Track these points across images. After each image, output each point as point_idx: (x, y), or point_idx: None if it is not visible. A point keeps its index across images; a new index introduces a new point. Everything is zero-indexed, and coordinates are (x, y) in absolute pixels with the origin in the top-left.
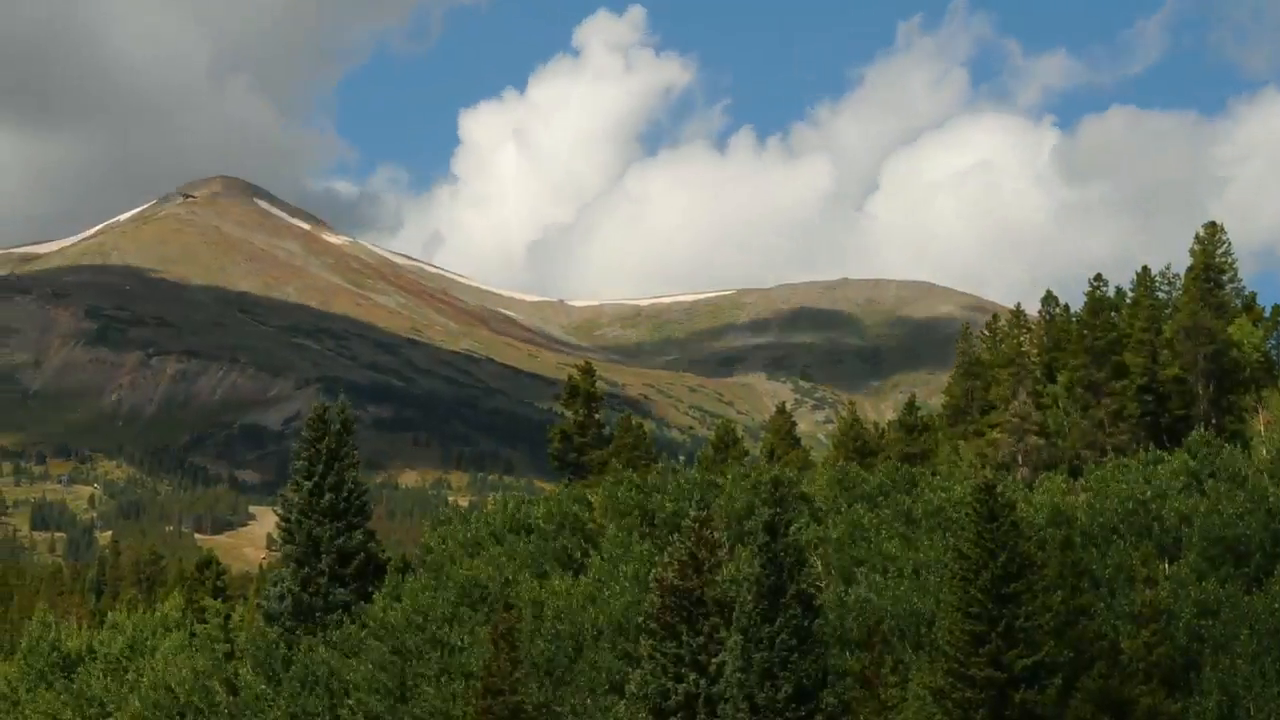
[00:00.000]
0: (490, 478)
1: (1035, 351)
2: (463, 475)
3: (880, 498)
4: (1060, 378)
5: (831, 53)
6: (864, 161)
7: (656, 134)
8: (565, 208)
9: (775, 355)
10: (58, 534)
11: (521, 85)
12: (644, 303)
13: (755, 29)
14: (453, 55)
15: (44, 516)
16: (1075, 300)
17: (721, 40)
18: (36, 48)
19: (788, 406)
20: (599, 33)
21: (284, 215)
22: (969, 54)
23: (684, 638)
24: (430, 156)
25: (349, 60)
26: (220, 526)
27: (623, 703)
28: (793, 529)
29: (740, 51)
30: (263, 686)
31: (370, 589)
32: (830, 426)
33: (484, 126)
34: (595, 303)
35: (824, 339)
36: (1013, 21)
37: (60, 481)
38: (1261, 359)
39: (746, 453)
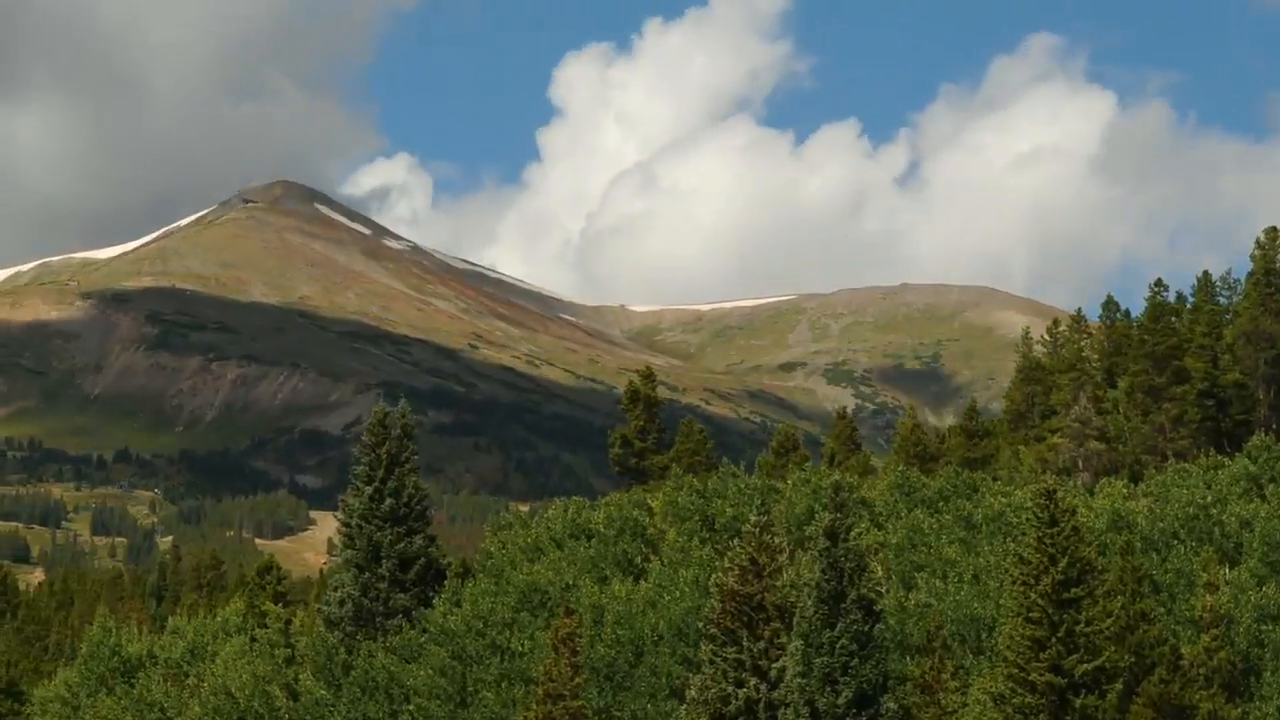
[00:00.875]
0: (551, 482)
1: (1096, 357)
2: (523, 480)
3: (941, 503)
4: (1121, 383)
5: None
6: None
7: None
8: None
9: (836, 360)
10: (118, 539)
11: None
12: (705, 307)
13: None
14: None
15: (104, 522)
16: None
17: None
18: (97, 52)
19: (849, 411)
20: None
21: (344, 220)
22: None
23: (744, 643)
24: (494, 161)
25: (404, 57)
26: (281, 531)
27: (683, 708)
28: (853, 534)
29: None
30: (323, 692)
31: (431, 594)
32: (891, 431)
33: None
34: (656, 307)
35: (885, 344)
36: None
37: (121, 487)
38: None
39: (807, 458)
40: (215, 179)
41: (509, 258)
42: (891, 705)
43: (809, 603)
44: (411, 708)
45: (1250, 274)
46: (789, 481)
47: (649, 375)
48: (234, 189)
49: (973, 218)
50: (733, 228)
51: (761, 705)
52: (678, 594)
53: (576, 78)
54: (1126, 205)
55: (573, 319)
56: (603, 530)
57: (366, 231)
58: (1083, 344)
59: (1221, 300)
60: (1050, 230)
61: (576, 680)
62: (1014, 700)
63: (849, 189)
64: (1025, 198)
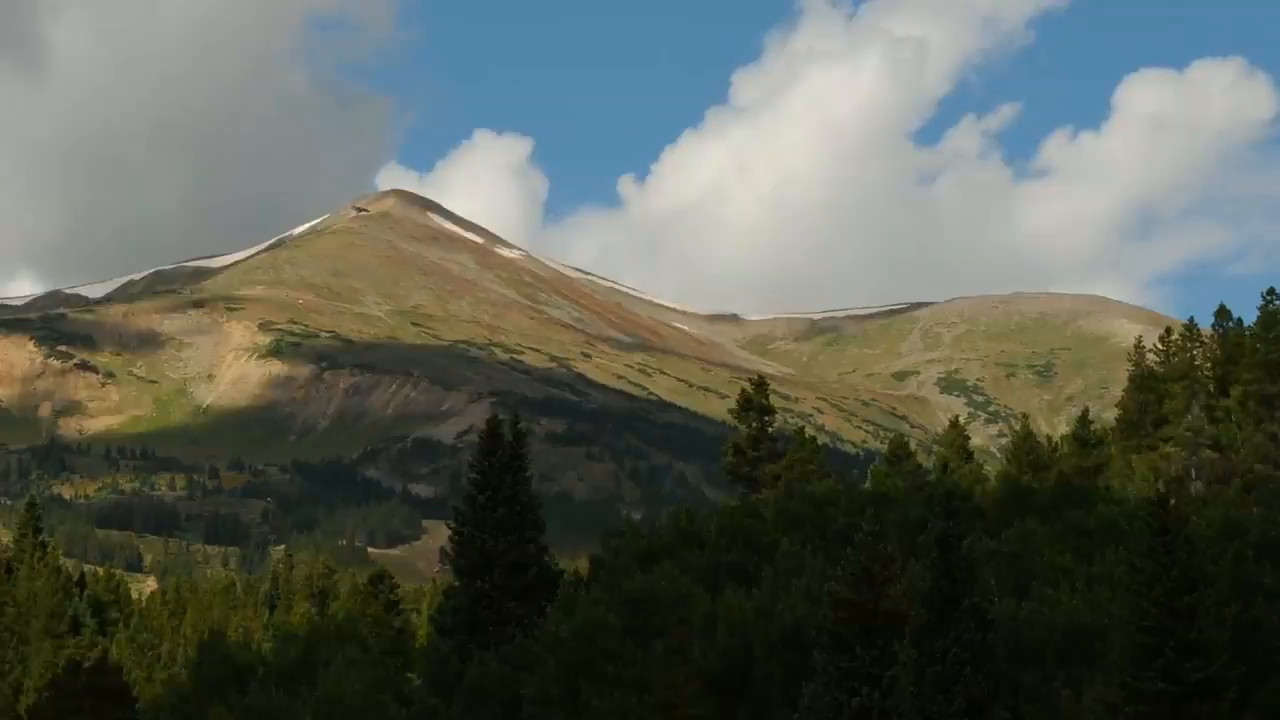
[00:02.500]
0: (663, 491)
1: (1209, 365)
2: (636, 488)
3: (1052, 511)
4: (1233, 391)
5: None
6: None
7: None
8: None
9: (949, 369)
10: (231, 548)
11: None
12: (817, 316)
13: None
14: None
15: (217, 530)
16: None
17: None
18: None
19: (961, 420)
20: (787, 39)
21: (457, 229)
22: None
23: (857, 651)
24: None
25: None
26: (393, 540)
27: (795, 716)
28: (965, 542)
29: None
30: (435, 700)
31: (543, 602)
32: (1003, 440)
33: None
34: (768, 316)
35: (997, 353)
36: None
37: (233, 495)
38: None
39: (919, 466)
40: (329, 188)
41: (620, 266)
42: (1004, 714)
43: (922, 611)
44: (524, 716)
45: None
46: (901, 490)
47: (761, 384)
48: (347, 198)
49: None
50: (845, 235)
51: (874, 713)
52: (790, 602)
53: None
54: None
55: (685, 328)
56: (715, 538)
57: (479, 240)
58: (1195, 352)
59: None
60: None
61: (689, 689)
62: (1126, 709)
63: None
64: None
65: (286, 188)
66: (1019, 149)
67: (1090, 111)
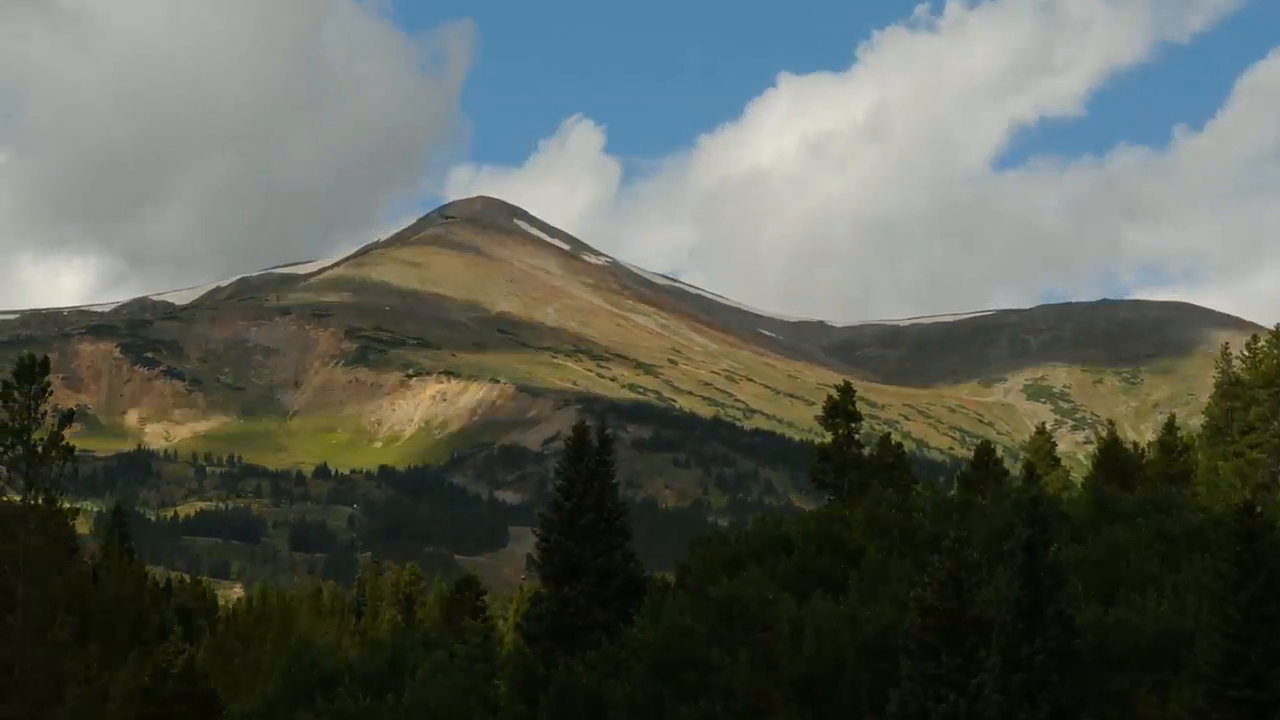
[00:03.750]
0: (750, 498)
1: None
2: (722, 495)
3: (1138, 517)
4: None
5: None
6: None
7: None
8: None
9: (1034, 376)
10: (317, 554)
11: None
12: (904, 323)
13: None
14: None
15: (304, 537)
16: None
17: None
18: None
19: (1047, 427)
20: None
21: (543, 235)
22: None
23: (943, 658)
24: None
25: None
26: (479, 547)
27: None
28: (1052, 549)
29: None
30: (521, 706)
31: (629, 609)
32: (1090, 446)
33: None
34: (855, 323)
35: (1084, 359)
36: None
37: (320, 502)
38: None
39: (1006, 473)
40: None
41: (708, 273)
42: None
43: (1008, 618)
44: None
45: None
46: (987, 496)
47: (848, 390)
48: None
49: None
50: (926, 242)
51: None
52: (877, 609)
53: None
54: None
55: (772, 334)
56: (801, 545)
57: (565, 247)
58: None
59: None
60: None
61: (775, 695)
62: (1213, 715)
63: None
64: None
65: (373, 194)
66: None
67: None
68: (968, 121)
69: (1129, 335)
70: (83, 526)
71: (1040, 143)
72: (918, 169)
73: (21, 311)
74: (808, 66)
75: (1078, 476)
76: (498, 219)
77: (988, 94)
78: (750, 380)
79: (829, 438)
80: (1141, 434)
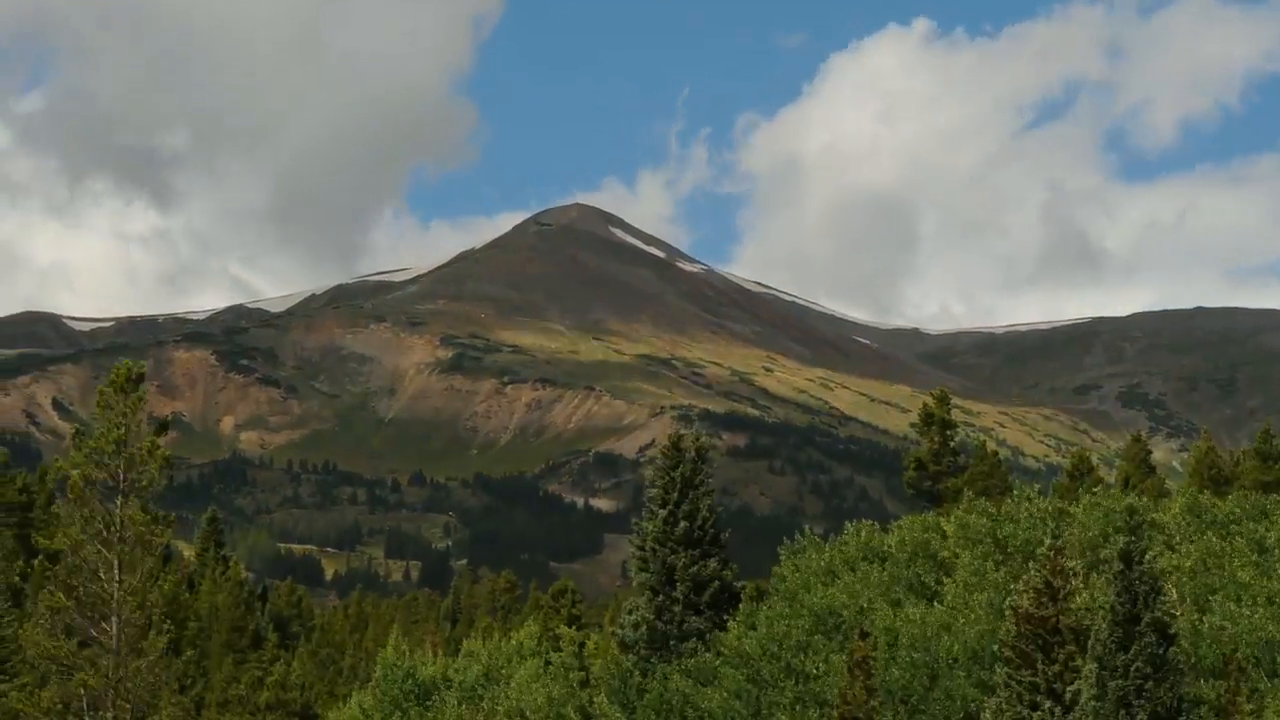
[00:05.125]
0: (845, 505)
1: None
2: (817, 502)
3: (1233, 525)
4: None
5: None
6: None
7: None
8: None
9: (1130, 383)
10: (413, 562)
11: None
12: (999, 331)
13: None
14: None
15: (399, 544)
16: None
17: None
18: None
19: (1143, 435)
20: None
21: (638, 243)
22: None
23: (1039, 666)
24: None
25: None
26: (575, 555)
27: None
28: (1147, 557)
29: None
30: (618, 714)
31: (725, 617)
32: (1185, 455)
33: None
34: (950, 330)
35: (1179, 367)
36: None
37: (415, 509)
38: None
39: (1101, 481)
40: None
41: (803, 281)
42: None
43: (1103, 626)
44: None
45: None
46: (1082, 505)
47: (943, 398)
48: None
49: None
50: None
51: None
52: (972, 617)
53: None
54: None
55: (867, 341)
56: (896, 553)
57: (660, 255)
58: None
59: None
60: None
61: (871, 703)
62: None
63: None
64: None
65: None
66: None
67: None
68: None
69: (1225, 342)
70: (178, 535)
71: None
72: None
73: (117, 319)
74: None
75: (1173, 484)
76: (593, 226)
77: None
78: (845, 388)
79: (924, 445)
80: (1237, 441)
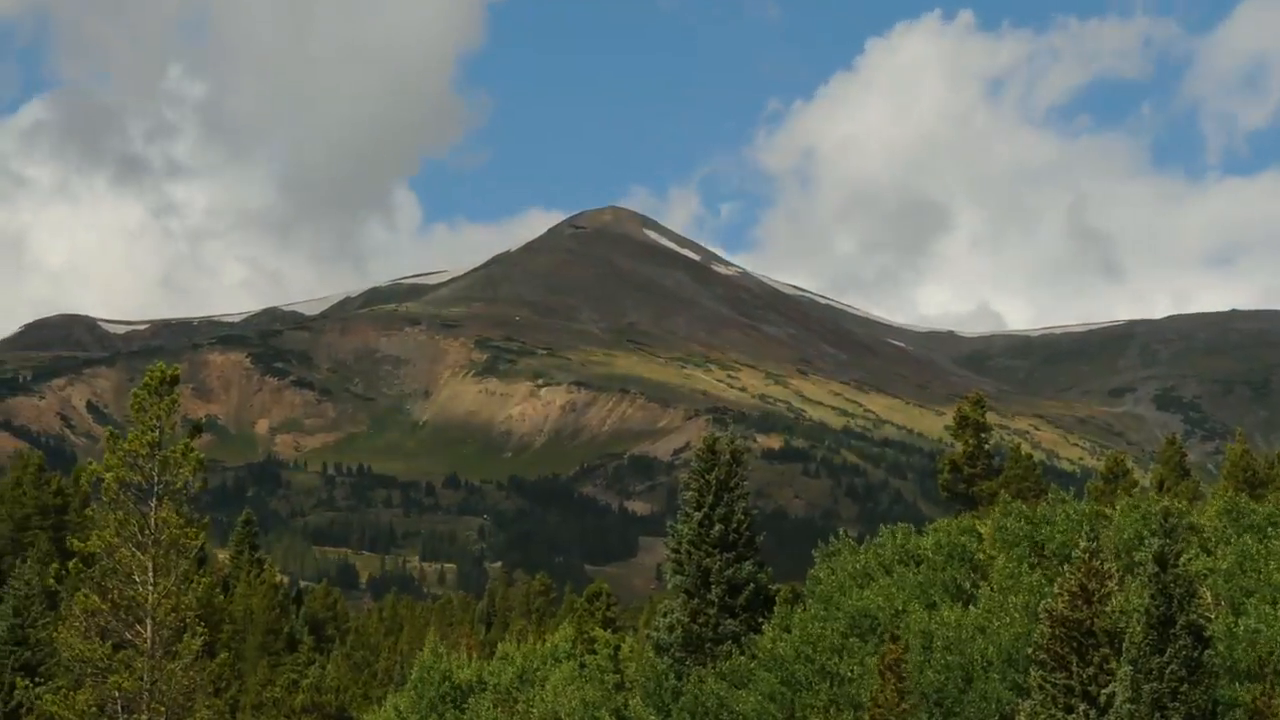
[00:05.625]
0: (879, 508)
1: None
2: (852, 505)
3: (1269, 528)
4: None
5: None
6: None
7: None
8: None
9: (1165, 386)
10: (447, 565)
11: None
12: (1034, 334)
13: None
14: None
15: (434, 547)
16: None
17: None
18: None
19: (1178, 437)
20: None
21: (674, 246)
22: None
23: (1074, 668)
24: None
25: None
26: (609, 557)
27: None
28: (1182, 560)
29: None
30: (653, 717)
31: (760, 620)
32: (1220, 457)
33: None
34: (985, 333)
35: (1214, 370)
36: None
37: (450, 512)
38: None
39: (1136, 484)
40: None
41: (839, 284)
42: None
43: (1138, 628)
44: None
45: None
46: (1118, 507)
47: (978, 401)
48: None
49: None
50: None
51: None
52: (1007, 620)
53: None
54: None
55: (901, 344)
56: (931, 556)
57: (696, 257)
58: None
59: None
60: None
61: (904, 706)
62: None
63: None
64: None
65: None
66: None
67: None
68: None
69: (1260, 344)
70: (213, 538)
71: None
72: None
73: (152, 321)
74: None
75: (1208, 487)
76: (628, 229)
77: None
78: (880, 391)
79: (959, 448)
80: (1272, 444)
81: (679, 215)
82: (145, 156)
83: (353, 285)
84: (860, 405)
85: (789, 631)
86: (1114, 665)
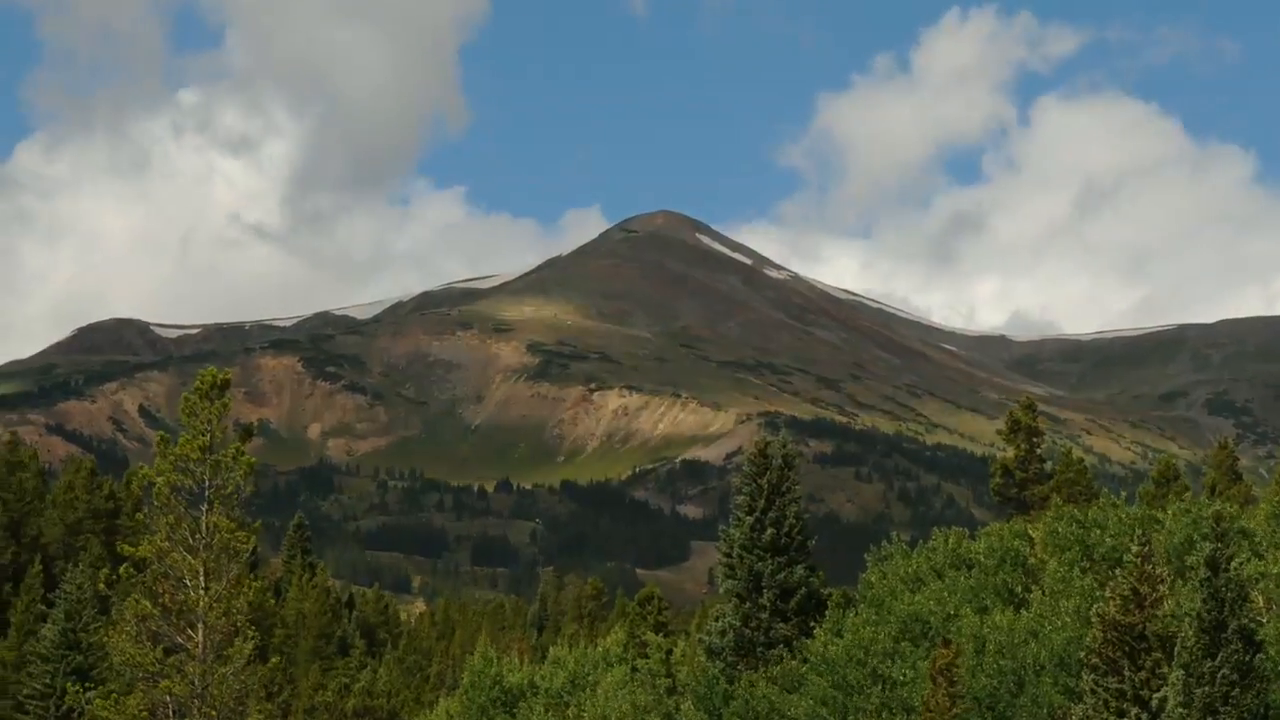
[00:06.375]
0: (932, 512)
1: None
2: (904, 509)
3: None
4: None
5: None
6: None
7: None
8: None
9: (1217, 390)
10: (499, 569)
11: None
12: (1086, 338)
13: None
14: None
15: (486, 551)
16: None
17: None
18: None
19: (1230, 441)
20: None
21: (725, 250)
22: None
23: (1126, 673)
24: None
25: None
26: (661, 561)
27: None
28: (1234, 564)
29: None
30: None
31: (811, 624)
32: (1272, 462)
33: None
34: (1037, 337)
35: (1267, 373)
36: None
37: (502, 516)
38: None
39: (1188, 488)
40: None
41: (890, 286)
42: None
43: (1190, 633)
44: None
45: None
46: (1169, 511)
47: (1030, 405)
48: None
49: None
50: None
51: None
52: (1059, 624)
53: None
54: None
55: (953, 348)
56: (983, 560)
57: (748, 261)
58: None
59: None
60: None
61: (955, 710)
62: None
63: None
64: None
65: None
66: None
67: None
68: None
69: None
70: (265, 542)
71: None
72: None
73: (204, 326)
74: None
75: (1260, 491)
76: (680, 233)
77: None
78: (932, 395)
79: (1011, 452)
80: None
81: (731, 219)
82: (194, 162)
83: (404, 289)
84: (912, 409)
85: (840, 636)
86: (1166, 670)
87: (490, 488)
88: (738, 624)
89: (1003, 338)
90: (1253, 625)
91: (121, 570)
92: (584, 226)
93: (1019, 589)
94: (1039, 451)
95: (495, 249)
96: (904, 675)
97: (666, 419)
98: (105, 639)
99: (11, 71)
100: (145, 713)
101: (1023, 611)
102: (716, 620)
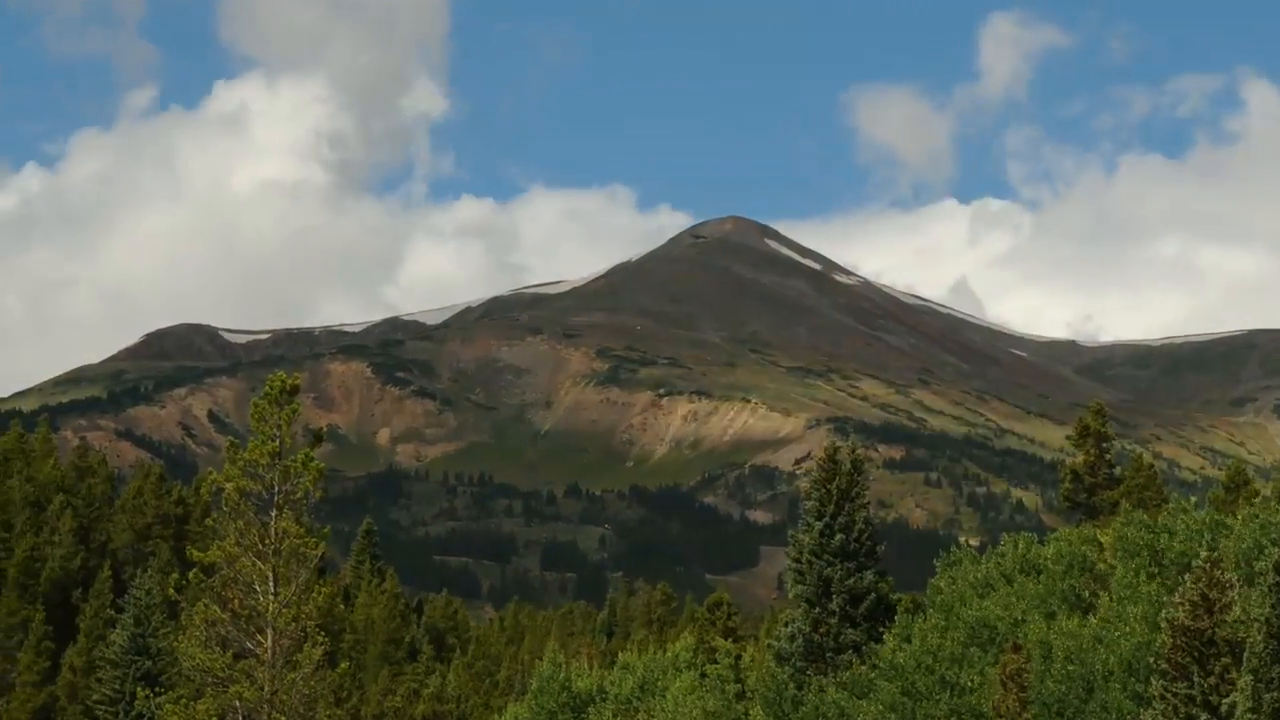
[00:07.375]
0: (1001, 518)
1: None
2: (973, 515)
3: None
4: None
5: None
6: None
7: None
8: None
9: None
10: (568, 574)
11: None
12: (1155, 343)
13: None
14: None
15: (555, 556)
16: None
17: None
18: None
19: None
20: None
21: (794, 255)
22: None
23: (1195, 678)
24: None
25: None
26: (731, 567)
27: None
28: None
29: None
30: None
31: (880, 629)
32: None
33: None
34: (1107, 342)
35: None
36: None
37: (571, 521)
38: None
39: (1257, 493)
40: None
41: (967, 294)
42: None
43: (1258, 638)
44: None
45: None
46: (1239, 517)
47: (1099, 411)
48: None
49: None
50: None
51: None
52: (1127, 629)
53: None
54: None
55: (1023, 354)
56: (1051, 566)
57: (817, 267)
58: None
59: None
60: None
61: (1024, 715)
62: None
63: None
64: None
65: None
66: None
67: None
68: None
69: None
70: (335, 547)
71: None
72: None
73: (274, 331)
74: None
75: None
76: (749, 239)
77: None
78: (1002, 400)
79: (1080, 458)
80: None
81: (800, 225)
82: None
83: (474, 294)
84: (981, 415)
85: (909, 641)
86: (1235, 675)
87: (559, 493)
88: (807, 629)
89: (1072, 343)
90: None
91: (190, 575)
92: (656, 232)
93: (1087, 594)
94: (1108, 457)
95: (567, 254)
96: (971, 681)
97: (735, 424)
98: (174, 644)
99: (99, 73)
100: (214, 718)
101: (1090, 617)
102: (785, 625)
